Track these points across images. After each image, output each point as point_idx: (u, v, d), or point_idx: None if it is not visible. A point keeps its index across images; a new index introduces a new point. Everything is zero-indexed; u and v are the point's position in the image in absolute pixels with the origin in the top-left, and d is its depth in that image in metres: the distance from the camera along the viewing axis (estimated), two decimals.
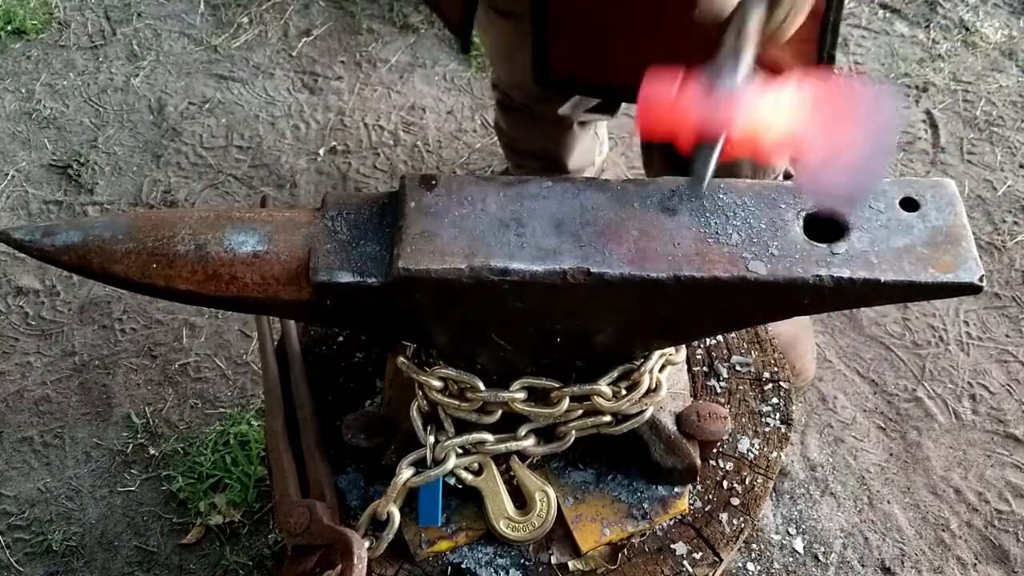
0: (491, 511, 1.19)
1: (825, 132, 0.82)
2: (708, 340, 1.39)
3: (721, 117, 0.80)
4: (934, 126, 2.66)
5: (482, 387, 1.10)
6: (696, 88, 0.82)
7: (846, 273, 0.93)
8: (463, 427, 1.15)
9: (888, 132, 0.83)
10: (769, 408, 1.32)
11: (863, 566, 1.96)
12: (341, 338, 1.42)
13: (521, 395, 1.11)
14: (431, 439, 1.15)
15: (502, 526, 1.19)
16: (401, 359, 1.13)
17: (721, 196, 1.00)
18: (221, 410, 2.17)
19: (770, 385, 1.35)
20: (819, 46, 1.38)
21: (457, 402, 1.12)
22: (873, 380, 2.21)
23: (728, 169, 1.69)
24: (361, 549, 1.05)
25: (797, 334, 2.04)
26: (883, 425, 2.14)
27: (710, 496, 1.25)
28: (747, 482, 1.26)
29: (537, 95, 1.90)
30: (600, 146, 2.35)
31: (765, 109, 0.82)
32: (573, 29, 1.36)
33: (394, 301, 0.98)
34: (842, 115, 0.83)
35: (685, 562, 1.20)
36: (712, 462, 1.28)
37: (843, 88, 0.86)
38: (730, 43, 0.85)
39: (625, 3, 1.27)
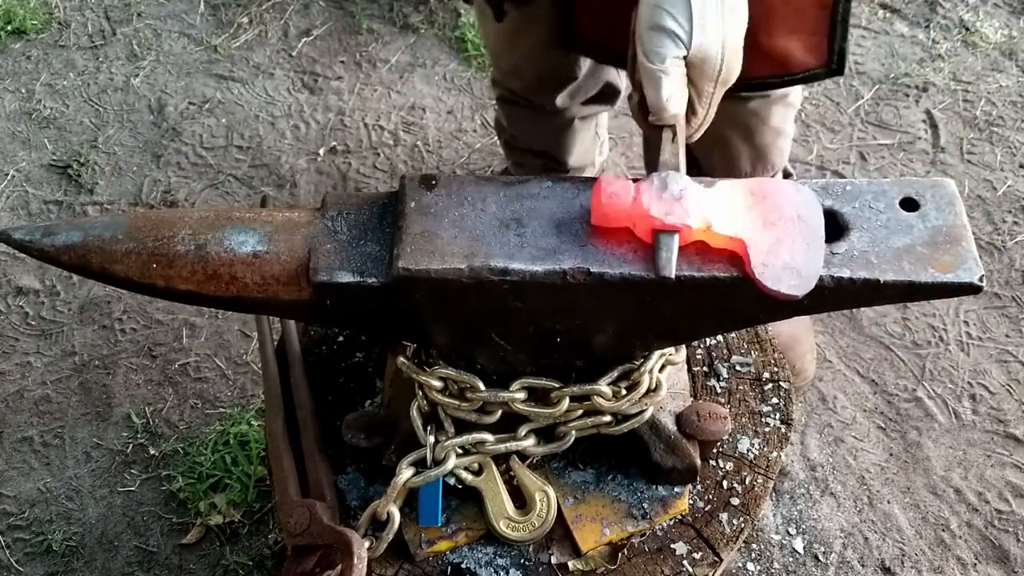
0: (491, 511, 1.19)
1: (762, 229, 0.93)
2: (708, 340, 1.39)
3: (674, 211, 0.92)
4: (934, 126, 2.66)
5: (482, 387, 1.10)
6: (648, 190, 0.94)
7: (846, 273, 0.93)
8: (463, 427, 1.15)
9: (815, 230, 0.94)
10: (769, 408, 1.32)
11: (863, 566, 1.96)
12: (341, 338, 1.42)
13: (521, 395, 1.11)
14: (431, 439, 1.15)
15: (502, 526, 1.19)
16: (401, 359, 1.13)
17: None
18: (221, 410, 2.17)
19: (770, 385, 1.35)
20: (829, 39, 1.38)
21: (457, 402, 1.12)
22: (873, 380, 2.21)
23: (727, 168, 1.72)
24: (361, 549, 1.05)
25: (797, 334, 2.04)
26: (883, 425, 2.14)
27: (710, 496, 1.25)
28: (747, 482, 1.26)
29: (536, 84, 1.89)
30: (601, 146, 2.35)
31: (709, 207, 0.94)
32: None
33: (394, 301, 0.98)
34: (774, 214, 0.94)
35: (685, 562, 1.20)
36: (712, 462, 1.28)
37: (771, 188, 0.96)
38: (667, 152, 1.01)
39: None
